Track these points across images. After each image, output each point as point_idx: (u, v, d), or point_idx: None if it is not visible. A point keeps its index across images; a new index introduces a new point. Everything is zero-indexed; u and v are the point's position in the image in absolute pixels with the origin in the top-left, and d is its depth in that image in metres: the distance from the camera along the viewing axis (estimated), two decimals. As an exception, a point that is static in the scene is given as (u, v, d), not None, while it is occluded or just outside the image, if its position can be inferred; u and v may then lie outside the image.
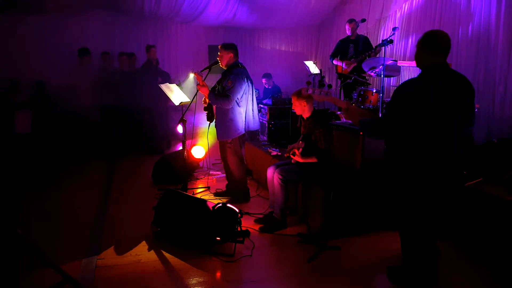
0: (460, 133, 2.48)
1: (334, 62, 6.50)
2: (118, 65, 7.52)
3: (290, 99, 4.30)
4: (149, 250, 3.29)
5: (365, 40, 6.30)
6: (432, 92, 2.39)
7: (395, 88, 2.54)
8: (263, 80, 8.03)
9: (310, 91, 2.86)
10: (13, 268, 2.37)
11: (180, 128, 4.66)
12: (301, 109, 3.69)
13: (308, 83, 3.58)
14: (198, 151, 5.67)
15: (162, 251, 3.26)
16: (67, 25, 7.92)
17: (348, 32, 6.35)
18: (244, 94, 4.17)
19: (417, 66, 2.56)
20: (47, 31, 7.77)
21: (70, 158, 6.53)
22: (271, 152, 4.88)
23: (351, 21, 6.34)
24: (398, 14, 6.90)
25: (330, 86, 2.59)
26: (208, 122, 4.46)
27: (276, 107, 6.35)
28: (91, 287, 2.71)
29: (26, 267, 2.78)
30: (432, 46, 2.45)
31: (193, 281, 2.82)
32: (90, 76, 6.97)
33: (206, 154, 5.70)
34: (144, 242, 3.43)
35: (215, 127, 4.31)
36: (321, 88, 2.77)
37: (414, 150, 2.47)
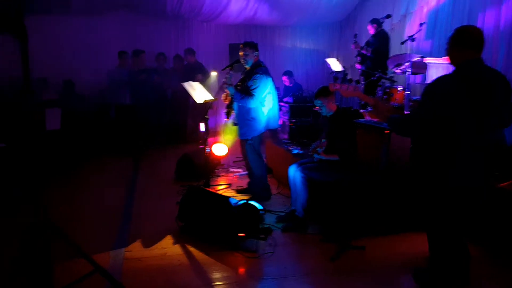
0: (494, 131, 2.42)
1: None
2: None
3: (312, 97, 4.29)
4: (174, 244, 3.36)
5: (381, 36, 6.32)
6: (465, 89, 2.34)
7: (427, 85, 2.49)
8: (284, 78, 8.01)
9: (337, 87, 2.81)
10: (48, 256, 2.46)
11: (202, 126, 4.73)
12: (330, 107, 3.66)
13: (335, 78, 3.55)
14: (220, 149, 5.72)
15: (186, 245, 3.32)
16: (91, 25, 8.11)
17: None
18: (267, 93, 4.20)
19: (450, 63, 2.51)
20: (72, 31, 7.99)
21: (96, 154, 6.70)
22: (292, 151, 4.88)
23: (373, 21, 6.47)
24: (424, 9, 6.74)
25: (358, 81, 2.54)
26: (226, 120, 4.50)
27: (297, 105, 6.34)
28: (120, 277, 2.79)
29: (57, 257, 2.88)
30: (463, 42, 2.40)
31: (217, 275, 2.86)
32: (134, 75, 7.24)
33: (227, 151, 5.75)
34: (169, 236, 3.50)
35: (238, 125, 4.35)
36: (349, 84, 2.74)
37: (444, 150, 2.42)
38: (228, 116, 4.40)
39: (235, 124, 4.42)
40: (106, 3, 7.85)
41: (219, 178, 5.37)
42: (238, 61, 4.31)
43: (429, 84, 2.48)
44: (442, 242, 2.59)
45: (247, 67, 4.26)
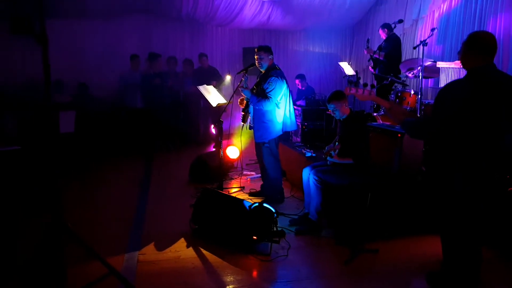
0: (507, 135, 2.42)
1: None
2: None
3: (324, 101, 4.31)
4: (187, 247, 3.39)
5: (393, 40, 6.30)
6: (478, 93, 2.35)
7: (439, 89, 2.51)
8: (297, 81, 8.04)
9: (353, 91, 2.84)
10: (62, 259, 2.50)
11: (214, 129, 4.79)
12: (343, 110, 3.68)
13: (350, 82, 3.58)
14: (233, 152, 5.76)
15: (200, 248, 3.35)
16: (106, 29, 8.26)
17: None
18: (283, 96, 4.23)
19: (463, 68, 2.53)
20: (88, 34, 8.15)
21: (109, 157, 6.80)
22: (305, 154, 4.88)
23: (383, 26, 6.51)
24: (436, 14, 6.72)
25: (373, 86, 2.57)
26: (242, 124, 4.53)
27: (310, 108, 6.34)
28: (134, 280, 2.82)
29: (71, 259, 2.93)
30: (477, 48, 2.42)
31: (231, 278, 2.88)
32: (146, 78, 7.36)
33: (240, 154, 5.78)
34: (182, 239, 3.53)
35: (253, 129, 4.37)
36: (364, 88, 2.76)
37: (458, 153, 2.43)
38: (244, 120, 4.44)
39: (251, 127, 4.46)
40: (122, 7, 7.98)
41: (232, 181, 5.40)
42: (253, 64, 4.36)
43: (441, 88, 2.51)
44: (456, 245, 2.59)
45: (263, 70, 4.31)
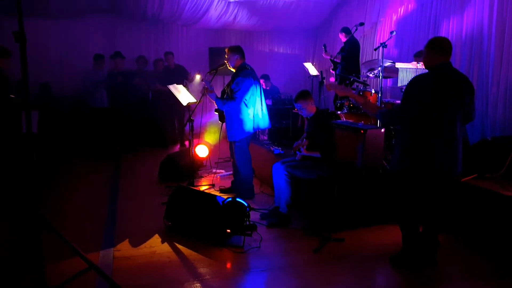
0: (462, 126, 2.77)
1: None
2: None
3: (290, 100, 4.51)
4: (162, 242, 3.46)
5: (351, 43, 6.61)
6: (441, 84, 2.69)
7: (408, 82, 2.87)
8: (261, 81, 8.19)
9: (333, 87, 3.32)
10: (41, 255, 2.52)
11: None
12: (310, 109, 3.87)
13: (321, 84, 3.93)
14: (202, 150, 5.83)
15: (175, 243, 3.43)
16: (70, 29, 8.08)
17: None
18: (251, 95, 4.34)
19: (426, 66, 2.87)
20: (51, 34, 7.93)
21: (76, 157, 6.68)
22: (273, 151, 5.05)
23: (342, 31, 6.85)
24: (394, 18, 7.12)
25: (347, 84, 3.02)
26: (220, 123, 4.61)
27: (276, 107, 6.52)
28: (111, 275, 2.86)
29: (47, 256, 2.93)
30: (438, 48, 2.80)
31: (206, 270, 3.00)
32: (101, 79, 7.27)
33: (209, 153, 5.87)
34: (157, 235, 3.60)
35: (226, 128, 4.47)
36: (342, 85, 3.18)
37: (419, 141, 2.73)
38: (221, 119, 4.52)
39: None
40: (86, 6, 7.84)
41: (202, 179, 5.48)
42: (223, 64, 4.46)
43: (409, 82, 2.85)
44: (410, 232, 2.90)
45: (233, 70, 4.41)
